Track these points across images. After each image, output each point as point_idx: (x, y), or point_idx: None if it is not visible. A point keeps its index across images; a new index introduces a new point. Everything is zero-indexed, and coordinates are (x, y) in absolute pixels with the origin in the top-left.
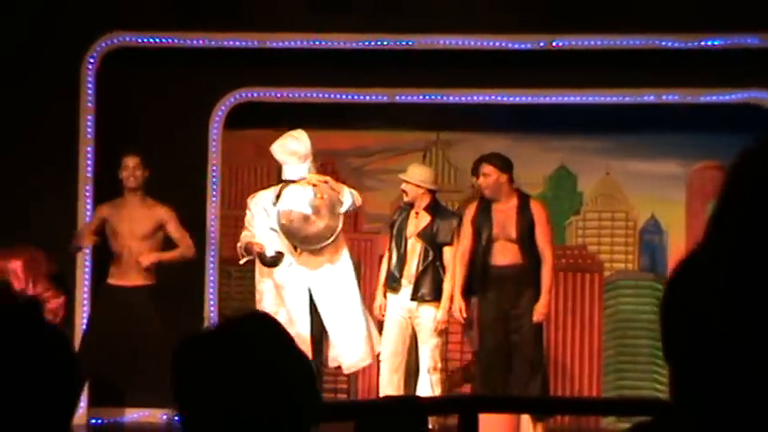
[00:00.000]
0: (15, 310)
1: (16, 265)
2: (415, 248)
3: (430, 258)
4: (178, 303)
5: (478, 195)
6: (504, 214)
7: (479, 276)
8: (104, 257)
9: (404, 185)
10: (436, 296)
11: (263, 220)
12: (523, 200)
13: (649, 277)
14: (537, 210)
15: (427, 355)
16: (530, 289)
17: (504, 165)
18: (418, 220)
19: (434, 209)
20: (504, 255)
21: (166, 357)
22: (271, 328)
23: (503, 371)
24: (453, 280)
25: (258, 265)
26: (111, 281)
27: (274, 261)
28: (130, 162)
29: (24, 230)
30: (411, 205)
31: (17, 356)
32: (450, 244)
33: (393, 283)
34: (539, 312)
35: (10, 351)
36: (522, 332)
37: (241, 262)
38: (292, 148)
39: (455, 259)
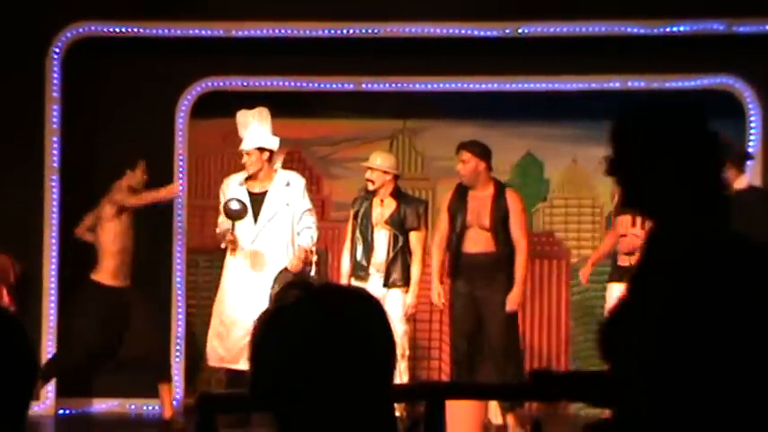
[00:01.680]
0: None
1: None
2: (382, 235)
3: (400, 244)
4: (146, 293)
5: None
6: (480, 202)
7: (452, 263)
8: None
9: (369, 174)
10: (405, 281)
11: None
12: (499, 189)
13: None
14: (512, 199)
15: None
16: (501, 277)
17: (483, 152)
18: (383, 208)
19: (399, 195)
20: (477, 242)
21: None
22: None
23: (476, 359)
24: (421, 265)
25: (228, 254)
26: (97, 277)
27: (239, 214)
28: (144, 168)
29: None
30: (373, 194)
31: None
32: (417, 229)
33: (360, 272)
34: (512, 302)
35: None
36: (494, 320)
37: (222, 246)
38: (240, 120)
39: (424, 245)
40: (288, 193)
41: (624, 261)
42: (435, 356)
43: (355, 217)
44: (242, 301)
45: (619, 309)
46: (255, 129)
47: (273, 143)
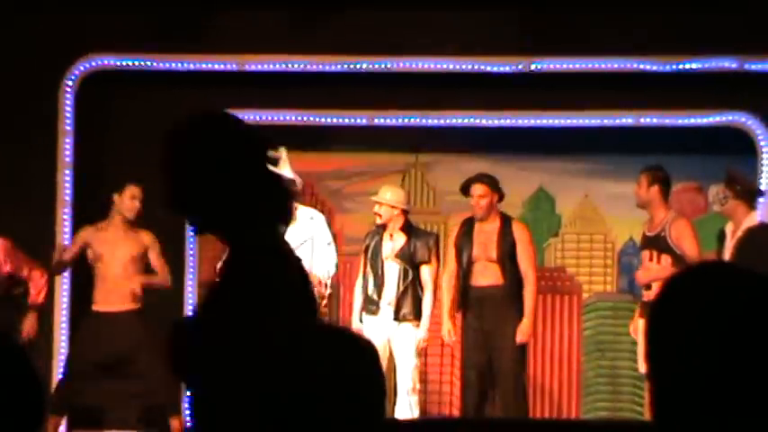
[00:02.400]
0: None
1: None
2: (392, 270)
3: (410, 278)
4: (157, 322)
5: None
6: (486, 235)
7: (461, 297)
8: (84, 283)
9: (377, 208)
10: (417, 315)
11: None
12: (506, 221)
13: (628, 299)
14: (519, 231)
15: (407, 376)
16: (511, 310)
17: (496, 185)
18: (393, 242)
19: (409, 229)
20: (485, 275)
21: (152, 379)
22: None
23: (485, 392)
24: (433, 298)
25: None
26: (96, 307)
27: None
28: (134, 192)
29: None
30: (384, 228)
31: None
32: (428, 263)
33: (371, 306)
34: (522, 333)
35: None
36: (504, 353)
37: None
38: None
39: (435, 278)
40: (311, 226)
41: (644, 296)
42: (446, 390)
43: (366, 251)
44: None
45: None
46: (277, 170)
47: (298, 181)
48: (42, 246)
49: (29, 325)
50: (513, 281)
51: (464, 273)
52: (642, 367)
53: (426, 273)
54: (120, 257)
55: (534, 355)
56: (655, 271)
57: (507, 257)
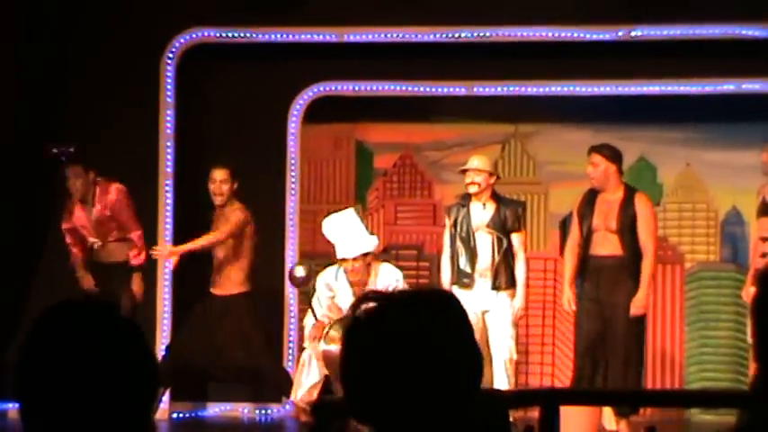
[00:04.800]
0: (93, 307)
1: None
2: (485, 240)
3: (504, 246)
4: (262, 298)
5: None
6: (609, 205)
7: (580, 266)
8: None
9: (474, 176)
10: (512, 284)
11: (324, 294)
12: (629, 192)
13: (731, 268)
14: (642, 203)
15: (504, 346)
16: (628, 281)
17: (614, 155)
18: (484, 211)
19: (497, 197)
20: (604, 246)
21: (261, 358)
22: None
23: (597, 362)
24: (526, 266)
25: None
26: (212, 289)
27: (303, 282)
28: (218, 176)
29: None
30: (468, 199)
31: (96, 352)
32: (518, 231)
33: (465, 279)
34: (636, 306)
35: (89, 346)
36: (618, 324)
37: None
38: (331, 227)
39: (525, 246)
40: (394, 283)
41: (759, 264)
42: (548, 362)
43: (454, 225)
44: None
45: None
46: (352, 232)
47: (375, 243)
48: (144, 215)
49: (137, 286)
50: (632, 252)
51: (584, 242)
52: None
53: (517, 241)
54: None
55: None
56: None
57: (627, 229)
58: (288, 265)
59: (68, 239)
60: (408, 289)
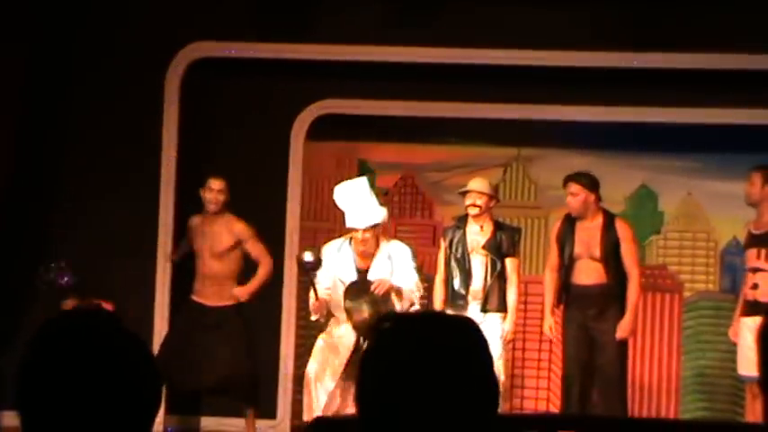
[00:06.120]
0: (95, 317)
1: None
2: (478, 262)
3: (498, 269)
4: (256, 315)
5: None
6: (588, 233)
7: (563, 294)
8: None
9: (475, 199)
10: (503, 307)
11: (329, 269)
12: (608, 218)
13: (730, 299)
14: (622, 228)
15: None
16: (614, 308)
17: (592, 184)
18: (482, 233)
19: (495, 222)
20: (588, 274)
21: (246, 375)
22: None
23: (584, 389)
24: (518, 291)
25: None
26: (195, 297)
27: (313, 266)
28: (215, 185)
29: (107, 237)
30: (465, 221)
31: (99, 363)
32: (513, 256)
33: (458, 301)
34: (623, 329)
35: (91, 358)
36: (606, 351)
37: (313, 318)
38: (343, 195)
39: (518, 271)
40: (390, 265)
41: (749, 295)
42: (543, 386)
43: (449, 246)
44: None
45: None
46: (363, 202)
47: (384, 215)
48: (146, 231)
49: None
50: (617, 279)
51: (566, 270)
52: (741, 369)
53: (511, 266)
54: (215, 250)
55: (634, 352)
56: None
57: (611, 255)
58: (288, 281)
59: None
60: (430, 311)
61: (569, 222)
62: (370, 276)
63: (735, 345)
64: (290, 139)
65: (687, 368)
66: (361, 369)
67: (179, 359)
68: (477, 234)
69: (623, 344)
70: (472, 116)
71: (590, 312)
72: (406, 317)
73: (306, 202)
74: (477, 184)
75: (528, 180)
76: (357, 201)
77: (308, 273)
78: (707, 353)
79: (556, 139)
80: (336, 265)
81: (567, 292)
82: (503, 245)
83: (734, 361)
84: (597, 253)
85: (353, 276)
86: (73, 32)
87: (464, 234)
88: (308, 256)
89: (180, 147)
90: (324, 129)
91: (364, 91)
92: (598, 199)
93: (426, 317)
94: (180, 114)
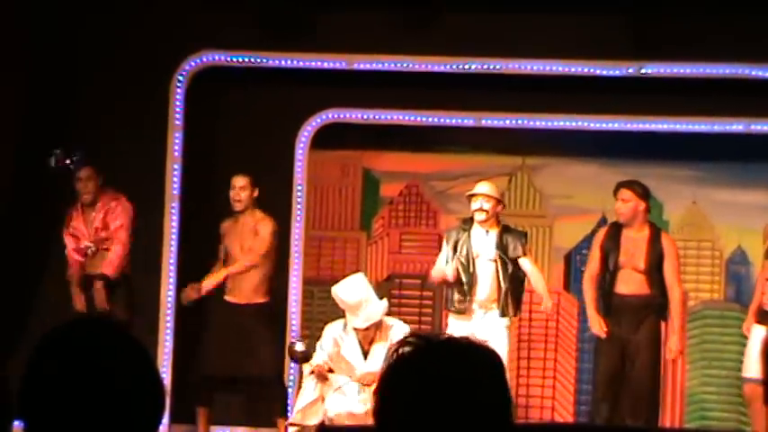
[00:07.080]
0: (98, 325)
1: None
2: (487, 268)
3: (510, 270)
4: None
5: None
6: (634, 243)
7: (602, 302)
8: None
9: (483, 203)
10: (518, 310)
11: (328, 345)
12: (655, 231)
13: (735, 308)
14: (668, 243)
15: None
16: (651, 320)
17: (644, 192)
18: (488, 237)
19: (502, 225)
20: (629, 284)
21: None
22: None
23: (615, 399)
24: (543, 277)
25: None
26: (227, 297)
27: (304, 356)
28: (238, 182)
29: None
30: (470, 225)
31: (102, 372)
32: (524, 255)
33: (461, 306)
34: (672, 350)
35: (95, 366)
36: (639, 363)
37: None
38: (342, 298)
39: (536, 264)
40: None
41: (766, 305)
42: (549, 395)
43: (453, 248)
44: None
45: None
46: (362, 300)
47: (384, 307)
48: (150, 238)
49: (99, 298)
50: (658, 292)
51: (609, 278)
52: (746, 372)
53: (528, 263)
54: (245, 249)
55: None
56: None
57: (654, 269)
58: (291, 290)
59: (68, 245)
60: (450, 336)
61: (615, 231)
62: (368, 364)
63: (740, 354)
64: (296, 147)
65: (692, 377)
66: (383, 388)
67: (221, 359)
68: (483, 237)
69: (656, 356)
70: (477, 125)
71: (626, 323)
72: (429, 343)
73: (310, 210)
74: (485, 187)
75: (533, 189)
76: (356, 301)
77: (298, 362)
78: (712, 362)
79: (560, 148)
80: (342, 345)
81: (608, 301)
82: (509, 247)
83: (739, 370)
84: (642, 264)
85: (360, 358)
86: (79, 40)
87: (469, 237)
88: (299, 347)
89: (185, 155)
90: (329, 137)
91: (370, 100)
92: (648, 209)
93: (449, 346)
94: (185, 122)
